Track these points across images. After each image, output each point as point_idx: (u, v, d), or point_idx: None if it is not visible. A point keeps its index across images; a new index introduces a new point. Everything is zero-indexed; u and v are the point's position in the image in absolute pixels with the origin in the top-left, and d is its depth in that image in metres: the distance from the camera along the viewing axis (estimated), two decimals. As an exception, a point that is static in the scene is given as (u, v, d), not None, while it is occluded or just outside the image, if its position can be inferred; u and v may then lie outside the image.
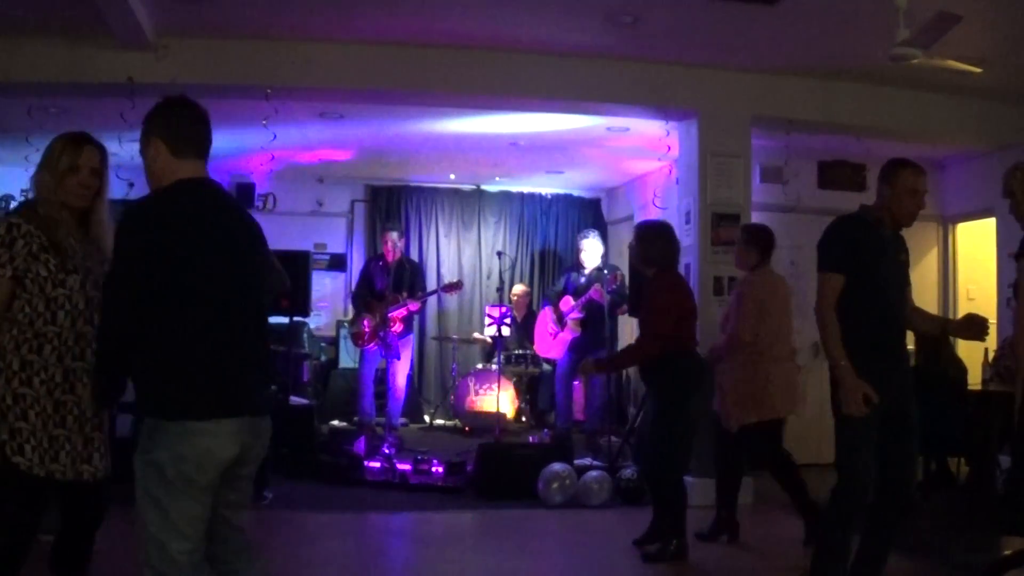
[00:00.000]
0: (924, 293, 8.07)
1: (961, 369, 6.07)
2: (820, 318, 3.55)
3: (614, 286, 7.43)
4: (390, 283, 7.77)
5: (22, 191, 7.84)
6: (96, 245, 2.88)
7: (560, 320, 7.89)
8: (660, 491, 4.80)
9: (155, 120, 2.55)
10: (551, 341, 8.03)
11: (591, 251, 7.90)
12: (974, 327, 3.53)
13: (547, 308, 8.08)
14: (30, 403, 2.71)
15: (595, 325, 7.70)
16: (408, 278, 7.94)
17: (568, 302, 7.80)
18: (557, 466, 5.99)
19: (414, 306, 7.91)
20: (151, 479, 2.36)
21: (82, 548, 2.94)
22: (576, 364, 7.74)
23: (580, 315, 7.71)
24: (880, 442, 3.51)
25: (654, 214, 8.56)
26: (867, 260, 3.54)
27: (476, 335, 9.53)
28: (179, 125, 2.54)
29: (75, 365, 2.76)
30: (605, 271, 7.83)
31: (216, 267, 2.44)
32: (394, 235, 8.06)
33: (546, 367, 8.81)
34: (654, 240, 4.83)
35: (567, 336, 7.84)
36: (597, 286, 7.49)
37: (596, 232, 8.26)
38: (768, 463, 5.11)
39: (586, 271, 7.85)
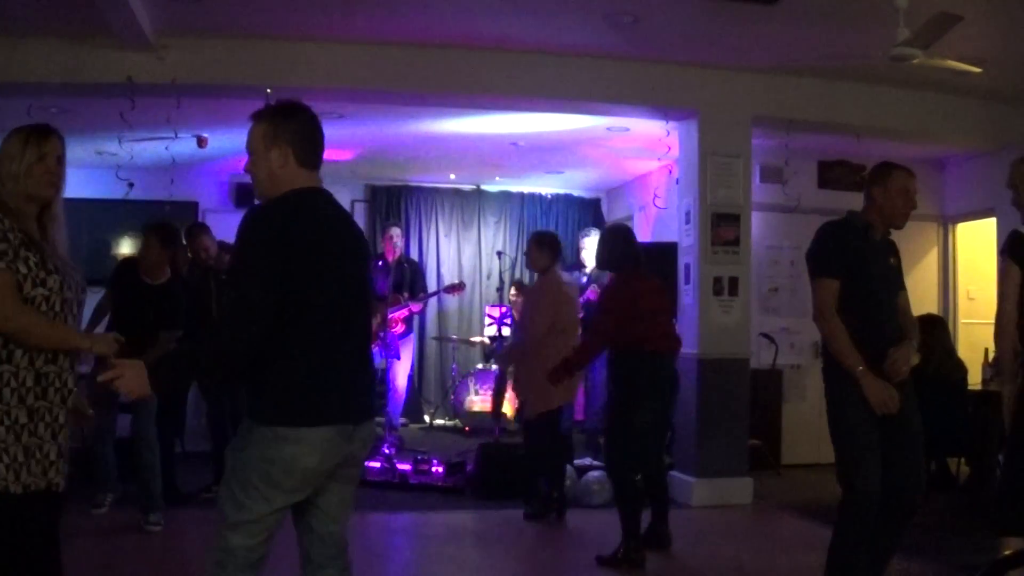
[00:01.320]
0: (924, 293, 8.08)
1: (961, 369, 6.07)
2: (826, 325, 3.51)
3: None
4: (390, 284, 7.76)
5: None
6: (54, 243, 2.75)
7: None
8: (616, 492, 4.79)
9: (286, 127, 2.53)
10: None
11: (593, 250, 7.86)
12: (890, 366, 3.46)
13: None
14: (0, 417, 2.52)
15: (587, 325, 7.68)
16: (408, 278, 7.94)
17: None
18: (595, 474, 5.99)
19: (416, 307, 7.90)
20: (236, 475, 2.42)
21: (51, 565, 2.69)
22: None
23: (580, 315, 7.67)
24: (885, 449, 3.46)
25: (654, 214, 8.57)
26: (857, 265, 3.52)
27: (475, 339, 9.50)
28: (310, 135, 2.56)
29: (47, 369, 2.60)
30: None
31: (334, 277, 2.46)
32: (396, 231, 8.04)
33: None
34: (612, 242, 4.93)
35: None
36: (593, 286, 7.47)
37: (598, 231, 8.24)
38: (547, 450, 5.60)
39: (587, 270, 7.83)
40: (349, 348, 2.50)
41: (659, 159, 7.90)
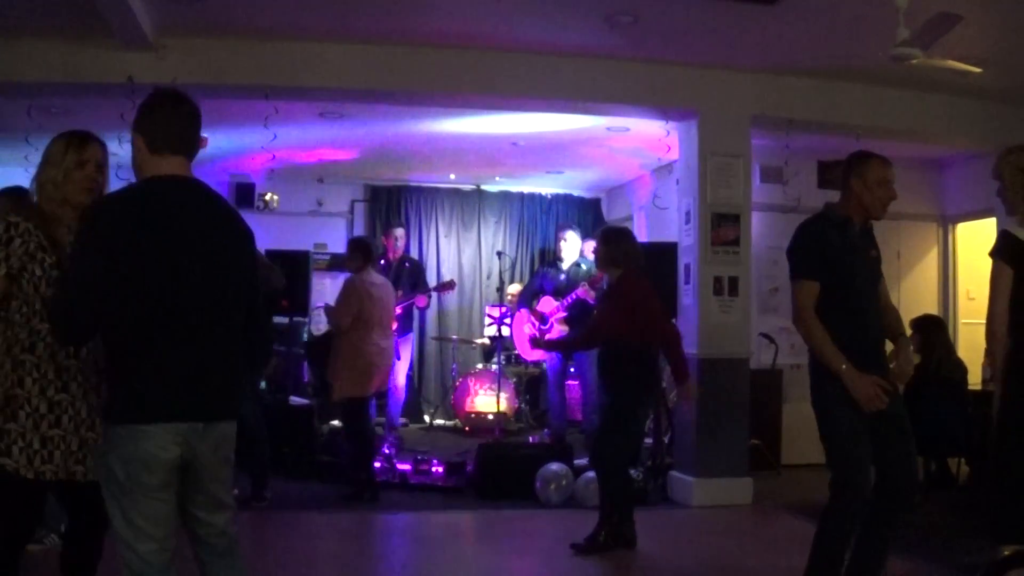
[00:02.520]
0: (924, 293, 8.09)
1: (961, 369, 6.07)
2: (804, 327, 3.47)
3: (600, 284, 7.42)
4: (390, 280, 7.74)
5: (22, 191, 7.84)
6: None
7: (541, 319, 7.81)
8: (603, 480, 4.96)
9: (139, 115, 2.54)
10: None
11: (573, 245, 7.85)
12: (899, 372, 3.51)
13: (523, 310, 7.91)
14: (21, 403, 2.66)
15: (583, 323, 7.67)
16: (408, 276, 7.94)
17: (549, 302, 7.74)
18: (555, 466, 6.00)
19: (421, 301, 7.92)
20: (109, 481, 2.38)
21: (90, 551, 2.89)
22: (565, 364, 7.78)
23: (564, 314, 7.67)
24: (876, 446, 3.43)
25: (654, 214, 8.57)
26: (838, 261, 3.46)
27: (475, 340, 9.49)
28: (160, 122, 2.50)
29: (68, 363, 2.71)
30: (583, 266, 7.79)
31: (172, 267, 2.37)
32: (400, 232, 8.03)
33: (545, 367, 8.79)
34: (617, 242, 5.00)
35: (554, 336, 7.79)
36: (584, 285, 7.44)
37: (579, 228, 8.23)
38: (355, 433, 6.12)
39: (564, 266, 7.79)
40: (200, 342, 2.41)
41: (659, 159, 7.90)
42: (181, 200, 2.47)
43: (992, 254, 3.55)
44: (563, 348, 5.02)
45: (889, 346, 3.66)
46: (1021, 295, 3.43)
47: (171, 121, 2.51)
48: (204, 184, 2.57)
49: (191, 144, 2.55)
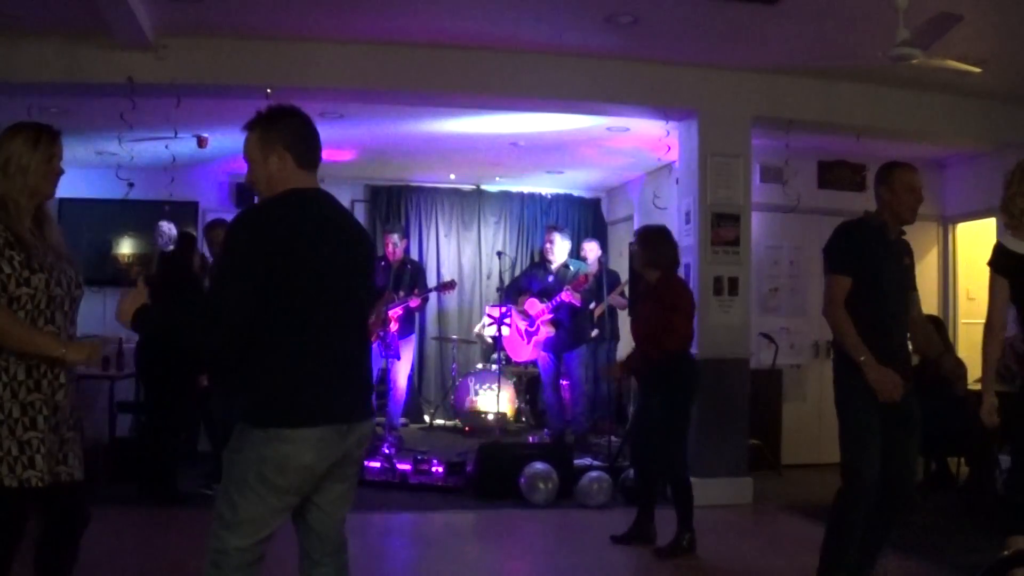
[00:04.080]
0: (924, 293, 7.99)
1: (961, 369, 6.06)
2: (832, 318, 3.67)
3: (585, 287, 7.45)
4: (390, 282, 7.75)
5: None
6: (49, 240, 2.78)
7: (526, 322, 7.82)
8: (654, 489, 4.99)
9: (281, 130, 2.57)
10: (523, 344, 7.92)
11: (561, 247, 7.86)
12: (955, 375, 3.89)
13: (511, 310, 7.89)
14: None
15: (575, 324, 7.68)
16: (409, 278, 7.93)
17: (535, 304, 7.75)
18: (539, 465, 5.99)
19: (414, 302, 7.92)
20: (232, 476, 2.43)
21: (66, 553, 2.82)
22: (557, 365, 7.79)
23: (551, 316, 7.68)
24: (884, 441, 3.60)
25: (654, 214, 8.56)
26: (871, 264, 3.66)
27: (476, 331, 9.47)
28: (305, 137, 2.60)
29: (38, 361, 2.63)
30: (570, 268, 7.80)
31: (322, 276, 2.45)
32: (395, 237, 8.05)
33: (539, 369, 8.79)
34: (658, 243, 4.97)
35: (541, 337, 7.79)
36: (568, 289, 7.46)
37: (567, 230, 8.21)
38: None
39: (553, 267, 7.81)
40: (342, 346, 2.49)
41: (659, 159, 7.90)
42: (327, 211, 2.58)
43: (989, 264, 3.79)
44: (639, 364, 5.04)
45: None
46: (1021, 298, 3.64)
47: (312, 137, 2.63)
48: (334, 196, 2.67)
49: (320, 160, 2.67)
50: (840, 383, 3.71)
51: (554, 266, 7.82)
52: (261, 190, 2.58)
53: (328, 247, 2.48)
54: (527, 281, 8.03)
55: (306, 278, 2.41)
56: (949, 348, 6.14)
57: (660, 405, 4.82)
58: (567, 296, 7.42)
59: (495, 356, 7.99)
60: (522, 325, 7.82)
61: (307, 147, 2.59)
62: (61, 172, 2.83)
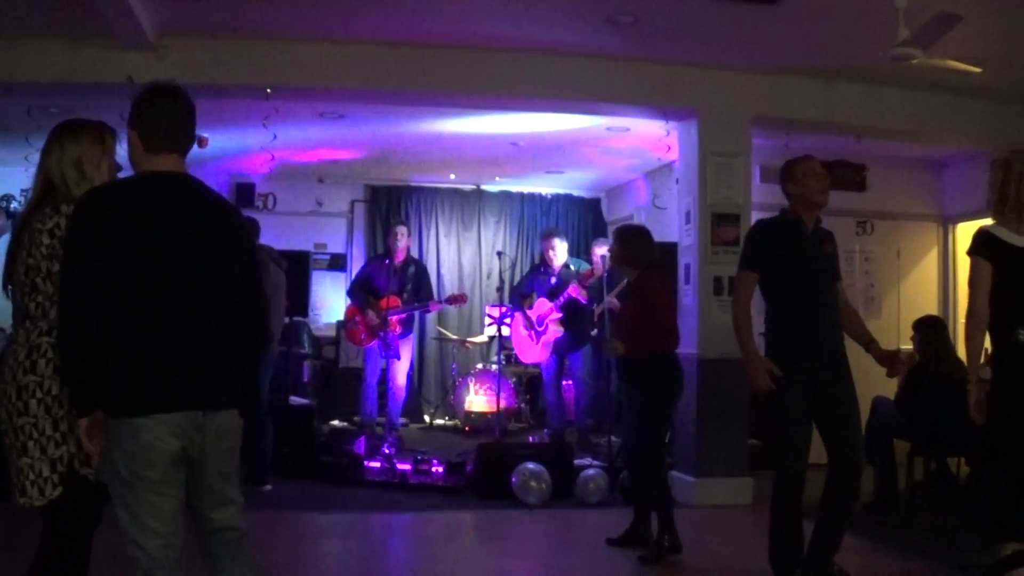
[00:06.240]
0: (924, 293, 8.09)
1: (960, 369, 6.06)
2: (735, 310, 3.96)
3: (591, 281, 7.45)
4: (393, 284, 7.72)
5: (22, 191, 7.84)
6: None
7: (535, 323, 7.81)
8: (647, 489, 4.86)
9: (134, 111, 2.54)
10: (532, 345, 7.90)
11: (562, 250, 7.87)
12: (892, 363, 3.88)
13: (517, 313, 7.88)
14: (29, 431, 2.57)
15: (578, 325, 7.69)
16: (412, 280, 7.87)
17: (543, 304, 7.75)
18: (531, 465, 5.98)
19: (435, 307, 7.94)
20: (113, 477, 2.38)
21: (78, 553, 2.73)
22: (560, 365, 7.78)
23: (560, 315, 7.68)
24: (820, 428, 3.83)
25: (654, 214, 8.57)
26: (786, 257, 3.86)
27: (471, 340, 9.47)
28: (155, 118, 2.52)
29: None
30: (572, 267, 7.81)
31: (158, 259, 2.40)
32: (403, 230, 7.96)
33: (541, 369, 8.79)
34: (635, 241, 4.96)
35: (550, 337, 7.79)
36: (575, 285, 7.46)
37: (560, 237, 8.15)
38: None
39: (555, 270, 7.81)
40: (190, 333, 2.43)
41: (659, 159, 7.90)
42: (170, 194, 2.49)
43: (969, 252, 3.77)
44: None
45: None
46: (1003, 284, 3.66)
47: (166, 118, 2.53)
48: (197, 180, 2.58)
49: (186, 141, 2.57)
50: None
51: (556, 269, 7.82)
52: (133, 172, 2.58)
53: (165, 232, 2.42)
54: (529, 285, 8.02)
55: (139, 264, 2.38)
56: (949, 348, 6.15)
57: (640, 402, 4.80)
58: (574, 291, 7.42)
59: (495, 356, 7.98)
60: (525, 330, 7.82)
61: (157, 129, 2.51)
62: (119, 168, 2.85)
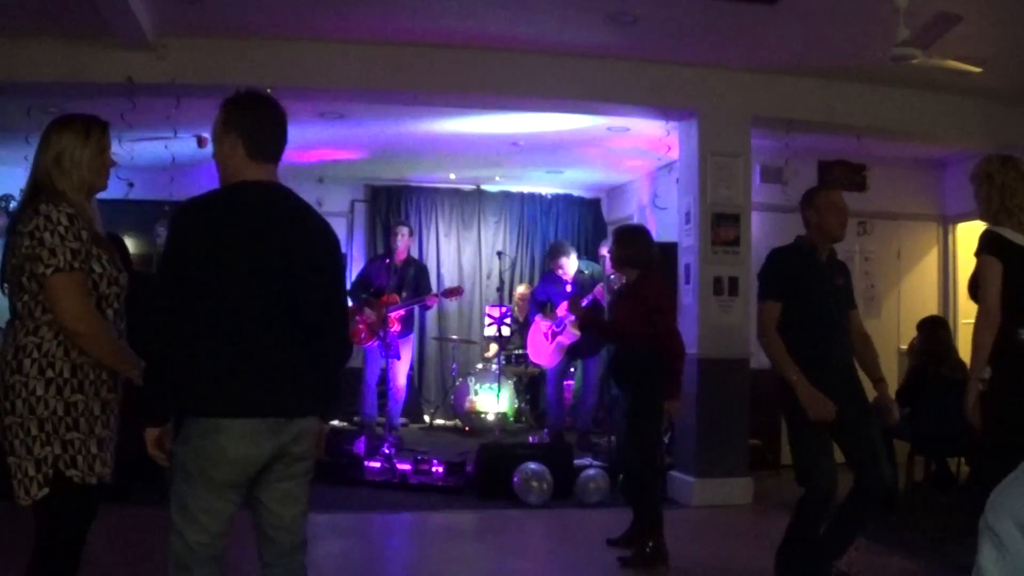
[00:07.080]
0: (924, 293, 8.09)
1: (962, 369, 6.06)
2: (765, 342, 3.88)
3: (617, 286, 7.42)
4: (393, 283, 7.72)
5: (22, 191, 7.84)
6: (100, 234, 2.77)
7: (555, 323, 7.81)
8: (637, 491, 4.78)
9: (237, 117, 2.52)
10: (547, 348, 7.91)
11: (571, 265, 7.84)
12: (886, 416, 3.92)
13: (538, 317, 7.91)
14: (81, 411, 2.58)
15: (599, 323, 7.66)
16: (412, 280, 7.89)
17: (564, 308, 7.74)
18: (533, 465, 5.98)
19: (432, 301, 7.93)
20: (178, 470, 2.42)
21: (72, 553, 2.71)
22: (566, 365, 7.78)
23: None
24: (844, 452, 3.83)
25: (654, 214, 8.57)
26: (803, 286, 3.88)
27: (472, 340, 9.46)
28: (263, 126, 2.54)
29: (82, 360, 2.61)
30: (586, 271, 7.80)
31: (248, 269, 2.42)
32: (405, 230, 7.97)
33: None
34: (635, 242, 4.91)
35: (565, 341, 7.79)
36: (601, 286, 7.44)
37: (572, 248, 8.16)
38: None
39: (570, 279, 7.79)
40: (276, 342, 2.45)
41: (659, 159, 7.90)
42: (267, 204, 2.53)
43: (977, 253, 3.76)
44: (610, 335, 4.92)
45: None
46: (1012, 282, 3.64)
47: (272, 126, 2.56)
48: (290, 191, 2.61)
49: (282, 150, 2.60)
50: (787, 403, 3.83)
51: (570, 277, 7.81)
52: (219, 172, 2.57)
53: (260, 241, 2.44)
54: (544, 293, 7.98)
55: (220, 270, 2.40)
56: (950, 348, 6.15)
57: (631, 403, 4.77)
58: (599, 292, 7.42)
59: (496, 356, 7.98)
60: (545, 332, 7.83)
61: (263, 139, 2.53)
62: (112, 164, 2.82)
